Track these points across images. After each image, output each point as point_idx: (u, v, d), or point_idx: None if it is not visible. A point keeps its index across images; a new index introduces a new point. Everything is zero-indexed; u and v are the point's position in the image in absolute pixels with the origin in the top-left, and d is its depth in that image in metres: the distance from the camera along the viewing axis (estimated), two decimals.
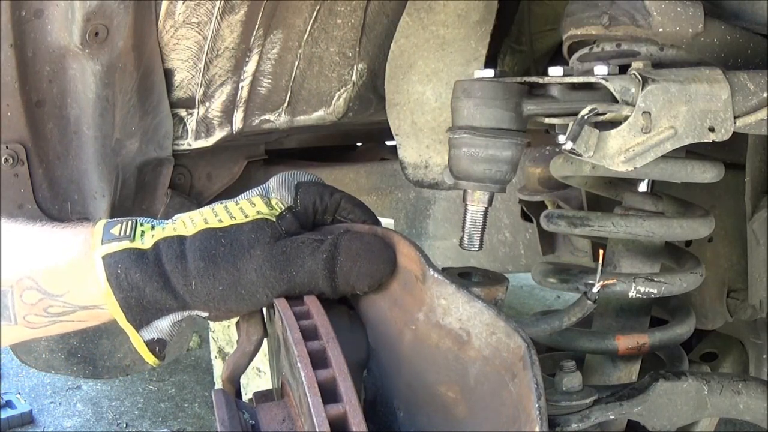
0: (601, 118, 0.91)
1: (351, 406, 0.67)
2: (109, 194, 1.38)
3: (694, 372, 1.10)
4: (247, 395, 0.91)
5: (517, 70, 1.82)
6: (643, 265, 1.19)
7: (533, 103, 0.98)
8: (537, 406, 0.65)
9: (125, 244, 0.80)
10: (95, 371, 1.61)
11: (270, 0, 1.33)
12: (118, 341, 1.59)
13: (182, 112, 1.43)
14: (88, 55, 1.24)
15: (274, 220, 0.83)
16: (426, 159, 1.62)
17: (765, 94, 0.92)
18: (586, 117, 0.89)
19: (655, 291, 1.08)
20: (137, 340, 0.82)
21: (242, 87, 1.44)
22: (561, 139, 0.91)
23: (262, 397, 0.89)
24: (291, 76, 1.48)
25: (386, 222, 1.11)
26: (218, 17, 1.30)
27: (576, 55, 1.13)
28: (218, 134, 1.47)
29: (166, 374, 3.55)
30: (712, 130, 0.92)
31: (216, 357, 2.74)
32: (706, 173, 1.11)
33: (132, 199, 1.46)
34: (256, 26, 1.36)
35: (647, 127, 0.90)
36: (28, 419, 3.12)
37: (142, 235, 0.81)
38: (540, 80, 0.98)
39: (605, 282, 0.97)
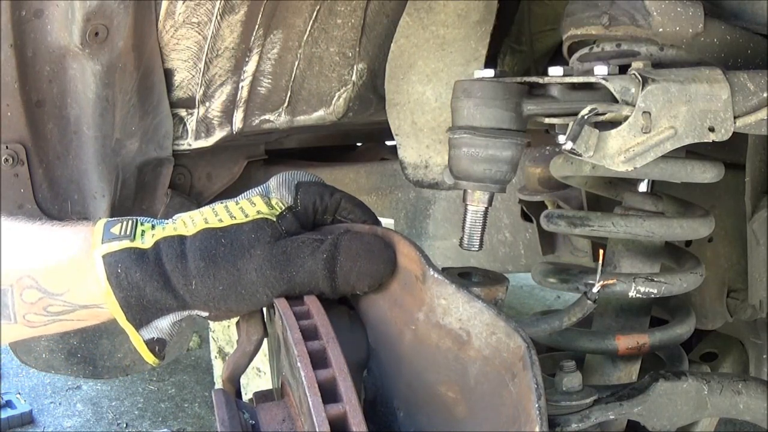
0: (601, 118, 0.91)
1: (351, 406, 0.67)
2: (109, 194, 1.38)
3: (694, 372, 1.10)
4: (247, 395, 0.91)
5: (517, 70, 1.82)
6: (643, 265, 1.19)
7: (533, 103, 0.98)
8: (537, 406, 0.65)
9: (125, 244, 0.80)
10: (95, 371, 1.61)
11: (270, 0, 1.33)
12: (118, 341, 1.59)
13: (182, 112, 1.43)
14: (88, 55, 1.24)
15: (275, 219, 0.83)
16: (426, 159, 1.62)
17: (765, 94, 0.92)
18: (586, 117, 0.89)
19: (655, 291, 1.08)
20: (137, 339, 0.82)
21: (242, 87, 1.44)
22: (561, 139, 0.91)
23: (262, 397, 0.89)
24: (291, 76, 1.48)
25: (386, 222, 1.11)
26: (218, 17, 1.30)
27: (576, 55, 1.13)
28: (218, 134, 1.47)
29: (166, 374, 3.55)
30: (712, 130, 0.92)
31: (216, 357, 2.74)
32: (706, 173, 1.11)
33: (132, 199, 1.46)
34: (256, 26, 1.36)
35: (647, 127, 0.90)
36: (28, 419, 3.12)
37: (142, 235, 0.81)
38: (540, 80, 0.98)
39: (605, 282, 0.98)
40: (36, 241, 0.84)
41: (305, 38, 1.45)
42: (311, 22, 1.43)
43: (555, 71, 0.97)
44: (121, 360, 1.61)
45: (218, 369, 2.78)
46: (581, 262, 1.89)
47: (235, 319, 0.90)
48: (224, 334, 2.68)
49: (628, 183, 1.24)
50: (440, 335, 0.75)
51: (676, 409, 1.06)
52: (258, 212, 0.83)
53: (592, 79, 0.93)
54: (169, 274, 0.79)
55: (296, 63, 1.47)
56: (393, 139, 1.63)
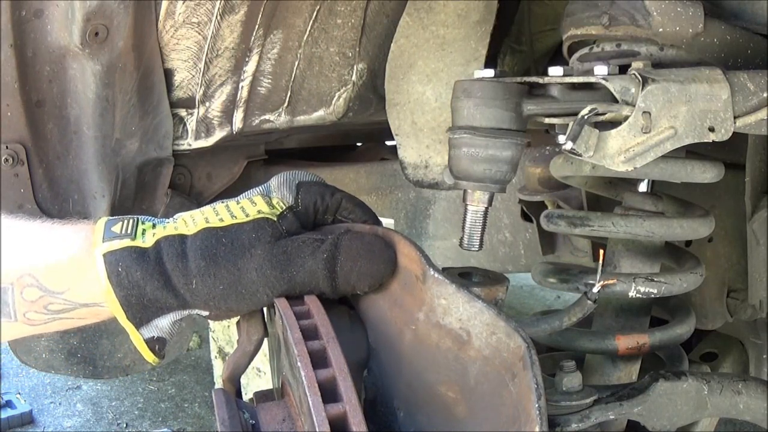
0: (601, 118, 0.91)
1: (351, 406, 0.67)
2: (109, 194, 1.38)
3: (694, 372, 1.10)
4: (247, 395, 0.90)
5: (517, 70, 1.82)
6: (643, 265, 1.19)
7: (533, 103, 0.98)
8: (537, 406, 0.65)
9: (126, 242, 0.80)
10: (95, 371, 1.61)
11: (270, 0, 1.33)
12: (118, 341, 1.59)
13: (182, 112, 1.43)
14: (88, 55, 1.24)
15: (275, 219, 0.83)
16: (426, 159, 1.62)
17: (765, 94, 0.92)
18: (586, 117, 0.89)
19: (655, 291, 1.08)
20: (137, 338, 0.82)
21: (242, 87, 1.44)
22: (561, 139, 0.91)
23: (262, 396, 0.89)
24: (291, 76, 1.48)
25: (386, 222, 1.11)
26: (218, 17, 1.30)
27: (576, 55, 1.13)
28: (218, 134, 1.47)
29: (166, 374, 3.55)
30: (712, 130, 0.92)
31: (216, 357, 2.74)
32: (706, 173, 1.11)
33: (132, 199, 1.46)
34: (256, 26, 1.36)
35: (647, 127, 0.90)
36: (28, 419, 3.12)
37: (143, 234, 0.81)
38: (540, 80, 0.98)
39: (605, 282, 0.98)
40: (37, 240, 0.84)
41: (305, 38, 1.45)
42: (311, 22, 1.43)
43: (555, 71, 0.97)
44: (121, 360, 1.61)
45: (218, 369, 2.78)
46: (581, 262, 1.89)
47: (235, 319, 0.90)
48: (224, 334, 2.68)
49: (628, 183, 1.24)
50: (440, 335, 0.75)
51: (676, 409, 1.06)
52: (259, 212, 0.83)
53: (592, 79, 0.93)
54: (170, 273, 0.79)
55: (296, 63, 1.47)
56: (393, 139, 1.63)
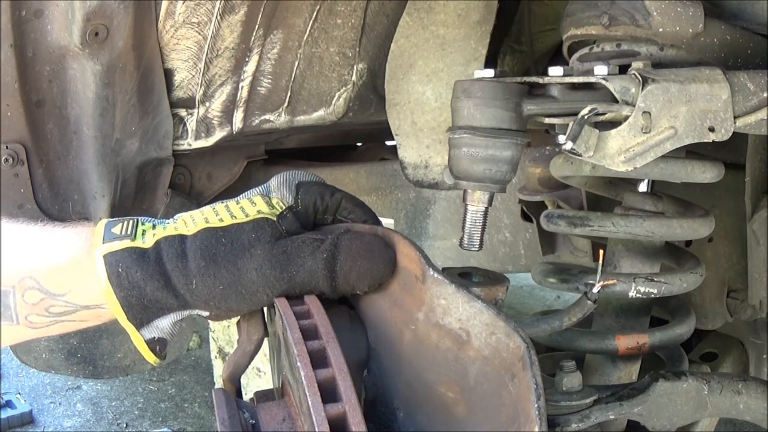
0: (601, 118, 0.91)
1: (350, 406, 0.67)
2: (109, 194, 1.38)
3: (694, 372, 1.10)
4: (247, 395, 0.91)
5: (517, 70, 1.82)
6: (643, 265, 1.19)
7: (533, 103, 0.98)
8: (536, 406, 0.65)
9: (126, 243, 0.80)
10: (95, 371, 1.61)
11: (270, 0, 1.33)
12: (118, 341, 1.59)
13: (182, 112, 1.43)
14: (88, 55, 1.24)
15: (275, 219, 0.83)
16: (426, 159, 1.62)
17: (765, 94, 0.92)
18: (586, 117, 0.89)
19: (655, 291, 1.08)
20: (138, 339, 0.82)
21: (242, 87, 1.44)
22: (561, 139, 0.91)
23: (263, 396, 0.89)
24: (291, 76, 1.48)
25: (386, 222, 1.11)
26: (218, 17, 1.30)
27: (576, 55, 1.13)
28: (218, 134, 1.47)
29: (166, 374, 3.55)
30: (712, 130, 0.92)
31: (216, 357, 2.74)
32: (706, 173, 1.11)
33: (132, 199, 1.46)
34: (256, 26, 1.36)
35: (647, 127, 0.90)
36: (28, 419, 3.12)
37: (143, 234, 0.81)
38: (540, 80, 0.98)
39: (605, 282, 0.97)
40: (37, 242, 0.84)
41: (305, 38, 1.45)
42: (311, 22, 1.43)
43: (555, 71, 0.97)
44: (121, 360, 1.61)
45: (218, 369, 2.78)
46: (581, 262, 1.89)
47: (235, 319, 0.90)
48: (224, 334, 2.68)
49: (628, 183, 1.24)
50: (440, 335, 0.75)
51: (676, 409, 1.06)
52: (258, 212, 0.83)
53: (592, 79, 0.93)
54: (170, 274, 0.79)
55: (296, 63, 1.47)
56: (393, 139, 1.63)
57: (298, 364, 0.70)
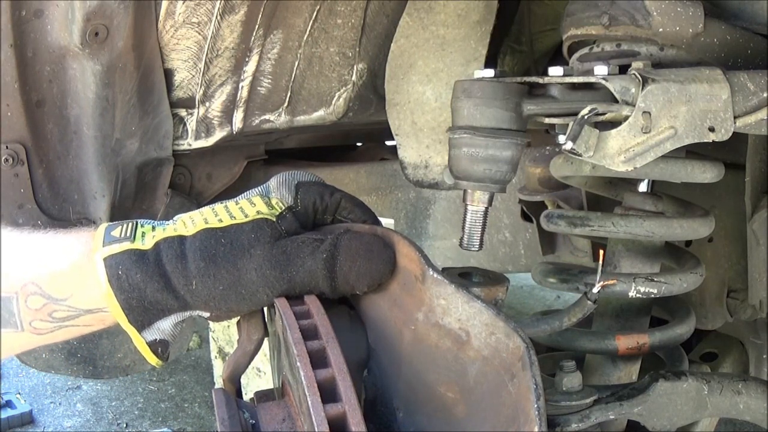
0: (601, 118, 0.91)
1: (350, 406, 0.67)
2: (109, 194, 1.38)
3: (694, 372, 1.10)
4: (247, 395, 0.91)
5: (517, 70, 1.82)
6: (643, 265, 1.19)
7: (533, 103, 0.98)
8: (536, 406, 0.65)
9: (126, 246, 0.80)
10: (95, 371, 1.61)
11: (270, 0, 1.33)
12: (118, 341, 1.59)
13: (182, 112, 1.43)
14: (88, 55, 1.24)
15: (274, 219, 0.83)
16: (426, 159, 1.62)
17: (765, 94, 0.92)
18: (586, 117, 0.89)
19: (655, 291, 1.08)
20: (140, 342, 0.82)
21: (242, 87, 1.44)
22: (561, 139, 0.91)
23: (263, 396, 0.89)
24: (291, 76, 1.48)
25: (386, 222, 1.11)
26: (218, 17, 1.30)
27: (576, 55, 1.13)
28: (218, 134, 1.47)
29: (166, 374, 3.55)
30: (712, 130, 0.92)
31: (216, 357, 2.75)
32: (706, 173, 1.11)
33: (132, 199, 1.46)
34: (256, 26, 1.36)
35: (647, 127, 0.90)
36: (28, 419, 3.12)
37: (142, 236, 0.82)
38: (540, 80, 0.98)
39: (605, 282, 0.97)
40: (39, 249, 0.84)
41: (305, 38, 1.45)
42: (311, 22, 1.43)
43: (555, 71, 0.97)
44: (121, 360, 1.61)
45: (218, 369, 2.78)
46: (581, 262, 1.89)
47: (235, 319, 0.90)
48: (224, 334, 2.68)
49: (628, 183, 1.24)
50: (440, 335, 0.75)
51: (676, 409, 1.06)
52: (258, 212, 0.83)
53: (592, 79, 0.93)
54: (170, 275, 0.79)
55: (296, 63, 1.47)
56: (393, 139, 1.63)
57: (298, 364, 0.70)
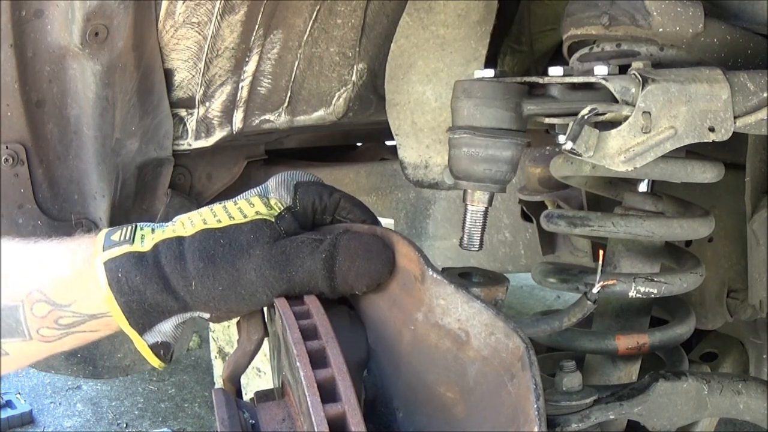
0: (601, 118, 0.91)
1: (350, 406, 0.67)
2: (109, 194, 1.38)
3: (694, 372, 1.10)
4: (247, 395, 0.91)
5: (517, 70, 1.82)
6: (643, 265, 1.19)
7: (533, 103, 0.98)
8: (536, 406, 0.65)
9: (125, 248, 0.80)
10: (95, 371, 1.61)
11: (270, 0, 1.33)
12: (118, 341, 1.59)
13: (182, 112, 1.43)
14: (88, 55, 1.24)
15: (273, 220, 0.83)
16: (426, 159, 1.62)
17: (765, 94, 0.92)
18: (586, 117, 0.89)
19: (655, 291, 1.08)
20: (141, 345, 0.82)
21: (242, 87, 1.44)
22: (561, 139, 0.91)
23: (263, 396, 0.89)
24: (291, 76, 1.48)
25: (386, 222, 1.11)
26: (218, 17, 1.30)
27: (576, 55, 1.13)
28: (218, 134, 1.47)
29: (166, 374, 3.55)
30: (712, 130, 0.92)
31: (216, 357, 2.75)
32: (706, 173, 1.11)
33: (132, 199, 1.46)
34: (256, 26, 1.36)
35: (647, 127, 0.90)
36: (28, 419, 3.12)
37: (141, 239, 0.82)
38: (540, 80, 0.98)
39: (605, 282, 0.97)
40: (42, 257, 0.85)
41: (305, 38, 1.45)
42: (311, 22, 1.43)
43: (555, 71, 0.97)
44: (121, 360, 1.60)
45: (218, 369, 2.78)
46: (581, 262, 1.89)
47: (235, 319, 0.90)
48: (224, 334, 2.68)
49: (628, 183, 1.24)
50: (439, 335, 0.75)
51: (676, 409, 1.06)
52: (256, 213, 0.83)
53: (592, 79, 0.93)
54: (169, 276, 0.79)
55: (296, 63, 1.47)
56: (393, 139, 1.63)
57: (298, 364, 0.70)
